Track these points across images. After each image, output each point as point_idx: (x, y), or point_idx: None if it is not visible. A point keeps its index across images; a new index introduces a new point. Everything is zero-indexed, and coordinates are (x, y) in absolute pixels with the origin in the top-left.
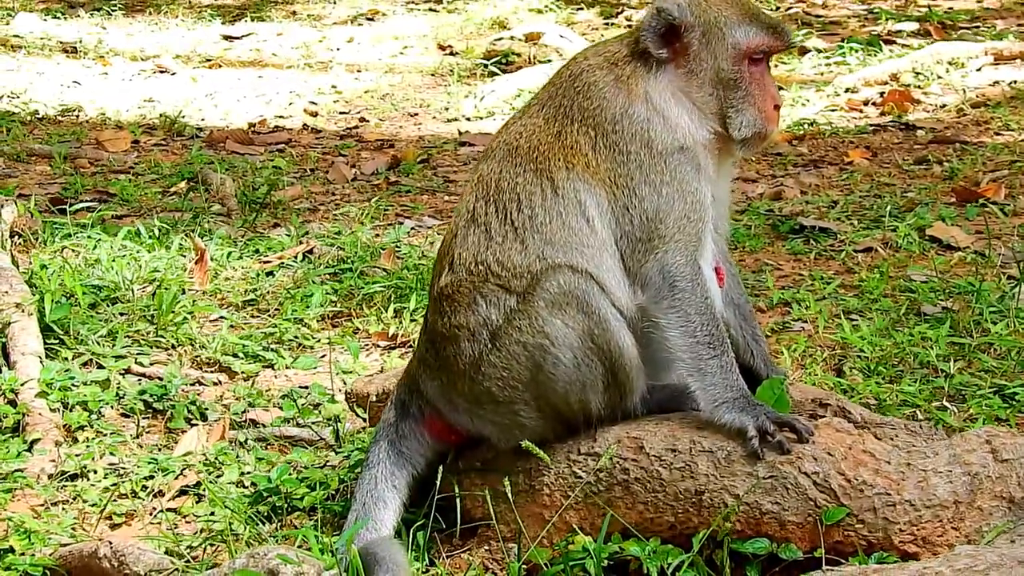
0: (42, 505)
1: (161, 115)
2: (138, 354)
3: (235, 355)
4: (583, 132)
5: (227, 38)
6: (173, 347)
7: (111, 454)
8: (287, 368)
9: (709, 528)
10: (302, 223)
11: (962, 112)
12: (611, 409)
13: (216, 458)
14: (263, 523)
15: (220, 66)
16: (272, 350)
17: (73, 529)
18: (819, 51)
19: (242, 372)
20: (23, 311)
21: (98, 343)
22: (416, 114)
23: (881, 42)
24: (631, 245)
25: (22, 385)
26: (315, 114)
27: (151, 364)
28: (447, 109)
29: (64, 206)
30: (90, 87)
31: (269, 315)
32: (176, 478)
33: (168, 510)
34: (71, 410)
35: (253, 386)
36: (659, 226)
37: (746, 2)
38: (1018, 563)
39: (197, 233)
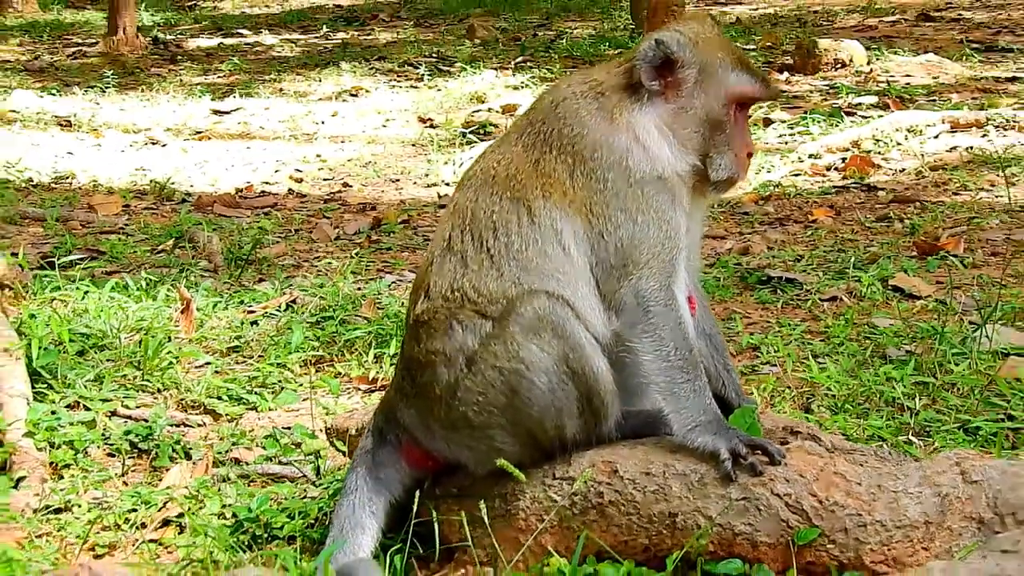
0: (26, 537)
1: (151, 181)
2: (124, 397)
3: (219, 398)
4: (561, 160)
5: (216, 112)
6: (159, 391)
7: (95, 489)
8: (270, 410)
9: (683, 550)
10: (286, 277)
11: (921, 175)
12: (586, 434)
13: (198, 491)
14: (243, 551)
15: (209, 138)
16: (256, 393)
17: (56, 559)
18: (783, 122)
19: (226, 414)
20: (11, 356)
21: (85, 387)
22: (397, 180)
23: (843, 113)
24: (606, 271)
25: (9, 425)
26: (300, 180)
27: (137, 407)
28: (427, 175)
29: (54, 259)
30: (83, 157)
31: (253, 361)
32: (159, 510)
33: (150, 541)
34: (57, 449)
35: (236, 427)
36: (634, 253)
37: (738, 49)
38: None
39: (183, 284)
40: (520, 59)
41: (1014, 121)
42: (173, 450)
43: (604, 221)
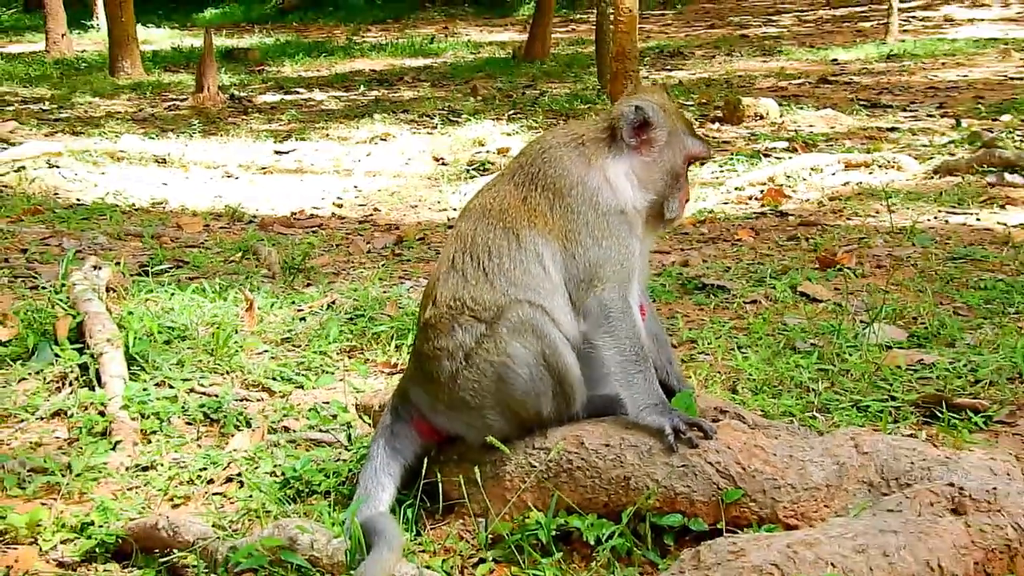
0: (119, 490)
1: (226, 206)
2: (200, 378)
3: (274, 378)
4: (544, 196)
5: (277, 152)
6: (227, 373)
7: (175, 452)
8: (313, 389)
9: (635, 506)
10: (328, 283)
11: (822, 204)
12: (559, 414)
13: (255, 454)
14: (289, 503)
15: (272, 173)
16: (302, 375)
17: (141, 508)
18: (715, 162)
19: (279, 391)
20: (112, 344)
21: (169, 369)
22: (416, 206)
23: (761, 155)
24: (576, 284)
25: (109, 400)
26: (341, 206)
27: (210, 385)
28: (439, 202)
29: (148, 268)
30: (174, 187)
31: (301, 349)
32: (223, 469)
33: (216, 494)
34: (146, 419)
35: (287, 402)
36: (598, 270)
37: (688, 119)
38: (879, 531)
39: (247, 288)
40: (512, 112)
41: (894, 162)
42: (237, 420)
43: (576, 245)
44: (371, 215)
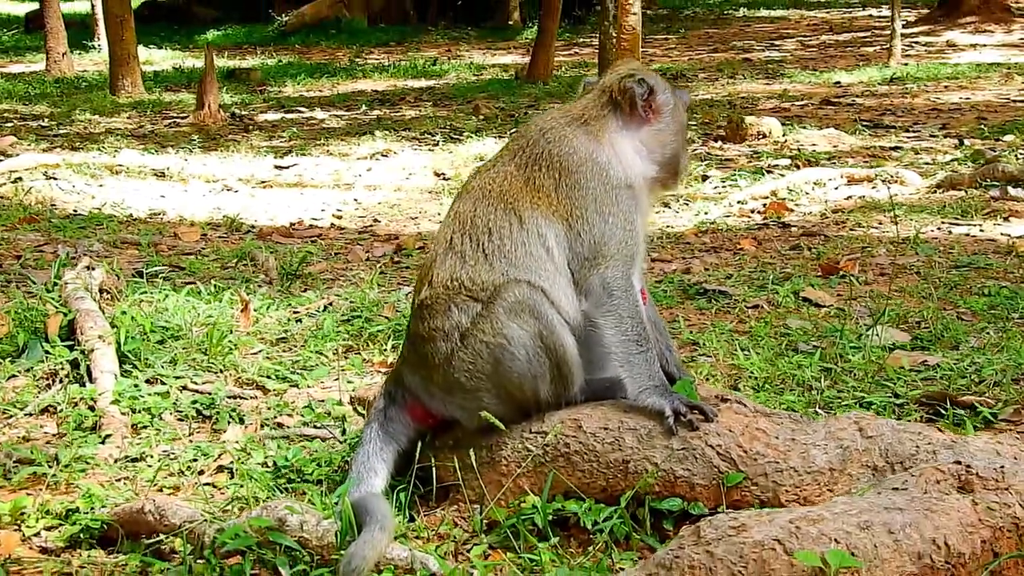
0: (107, 480)
1: (224, 217)
2: (193, 376)
3: (268, 376)
4: (550, 175)
5: (278, 167)
6: (220, 371)
7: (166, 445)
8: (308, 387)
9: (633, 490)
10: (325, 288)
11: (824, 216)
12: (556, 397)
13: (246, 445)
14: (280, 492)
15: (271, 187)
16: (298, 373)
17: (128, 497)
18: (718, 178)
19: (273, 389)
20: (104, 341)
21: (162, 367)
22: (416, 217)
23: (764, 171)
24: (579, 263)
25: (100, 395)
26: (340, 217)
27: (203, 383)
28: (439, 214)
29: (143, 272)
30: (173, 199)
31: (297, 349)
32: (214, 460)
33: (206, 484)
34: (137, 413)
35: (281, 399)
36: (603, 248)
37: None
38: (884, 509)
39: (244, 291)
40: (513, 130)
41: (897, 176)
42: (230, 416)
43: (582, 222)
44: (371, 226)
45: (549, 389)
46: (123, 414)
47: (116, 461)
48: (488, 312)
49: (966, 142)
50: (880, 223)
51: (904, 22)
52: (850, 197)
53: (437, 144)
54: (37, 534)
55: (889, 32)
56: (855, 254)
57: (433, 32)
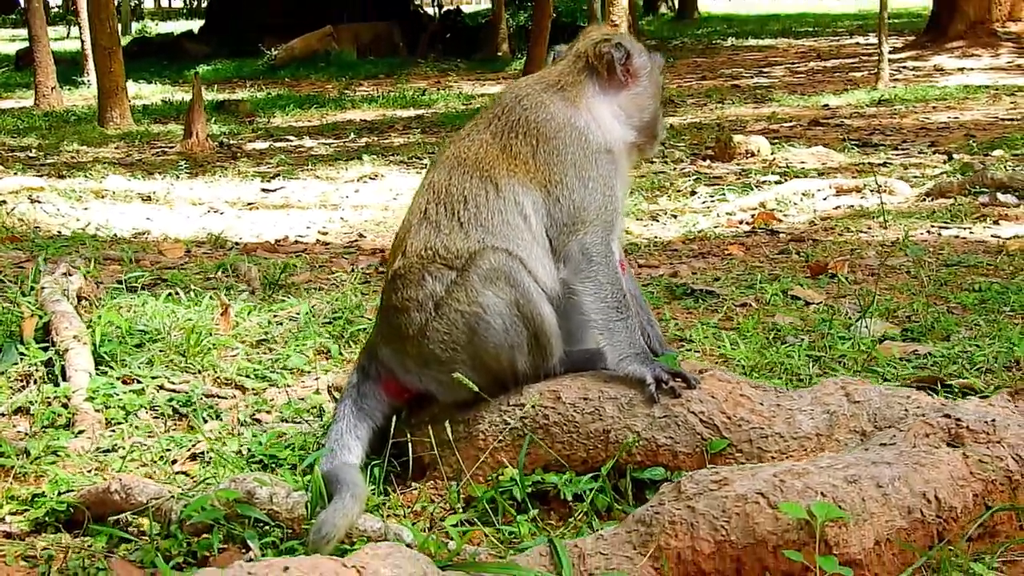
0: (77, 471)
1: (209, 234)
2: (170, 376)
3: (247, 376)
4: (527, 142)
5: (264, 190)
6: (199, 372)
7: (140, 438)
8: (288, 386)
9: (614, 459)
10: (308, 295)
11: (813, 223)
12: (535, 369)
13: (221, 434)
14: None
15: (258, 208)
16: (277, 373)
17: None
18: (706, 193)
19: (252, 388)
20: (79, 341)
21: (139, 367)
22: None
23: (753, 187)
24: (558, 229)
25: (73, 392)
26: (326, 233)
27: (180, 383)
28: None
29: (123, 281)
30: (158, 221)
31: (276, 350)
32: (188, 450)
33: (178, 473)
34: (110, 409)
35: (260, 397)
36: (582, 213)
37: None
38: (870, 463)
39: (225, 297)
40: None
41: (886, 186)
42: (206, 414)
43: (561, 187)
44: (356, 241)
45: (527, 360)
46: (97, 410)
47: (87, 452)
48: (463, 280)
49: (955, 156)
50: (869, 228)
51: (891, 48)
52: (839, 207)
53: (425, 167)
54: (1, 519)
55: (876, 57)
56: (845, 256)
57: (422, 64)
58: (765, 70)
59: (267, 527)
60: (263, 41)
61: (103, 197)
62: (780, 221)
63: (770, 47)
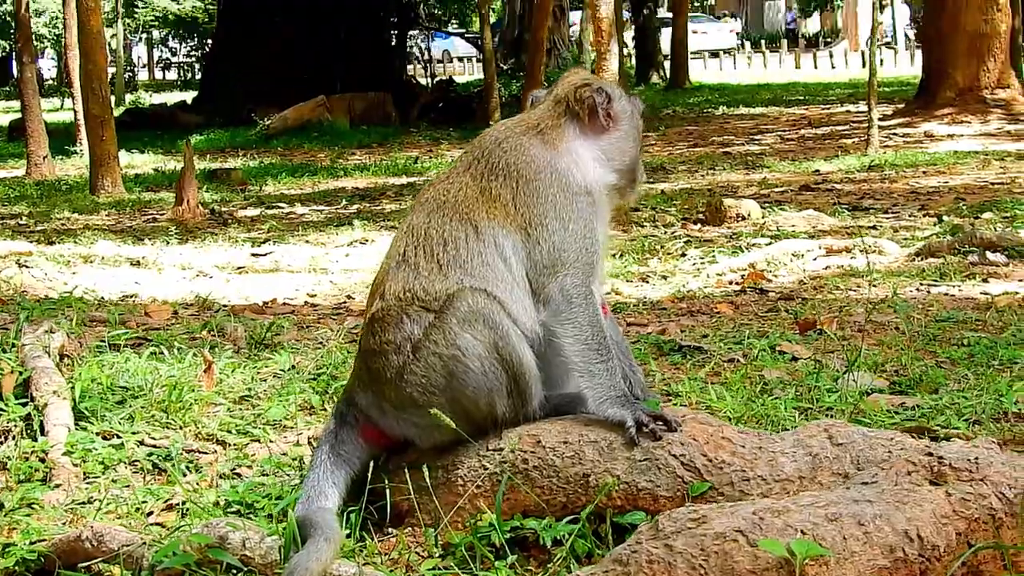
0: (52, 522)
1: (197, 296)
2: (151, 431)
3: (229, 431)
4: (507, 185)
5: (254, 255)
6: (180, 427)
7: (117, 490)
8: (271, 442)
9: (593, 503)
10: (294, 353)
11: (803, 283)
12: (515, 413)
13: (198, 485)
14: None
15: (247, 272)
16: (259, 428)
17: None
18: (697, 256)
19: (234, 444)
20: (58, 396)
21: (119, 423)
22: None
23: (742, 249)
24: (537, 271)
25: (52, 447)
26: (315, 296)
27: (160, 438)
28: None
29: (106, 341)
30: (147, 285)
31: (259, 406)
32: (164, 502)
33: (153, 524)
34: (88, 463)
35: (241, 452)
36: (563, 255)
37: None
38: (852, 501)
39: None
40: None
41: (875, 246)
42: (186, 467)
43: (541, 230)
44: (345, 303)
45: (506, 404)
46: (75, 465)
47: (63, 504)
48: (440, 322)
49: (945, 219)
50: (859, 286)
51: (882, 114)
52: (828, 267)
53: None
54: None
55: (867, 124)
56: (834, 312)
57: (415, 133)
58: (756, 137)
59: (240, 573)
60: (256, 111)
61: (92, 262)
62: (770, 281)
63: (761, 115)
